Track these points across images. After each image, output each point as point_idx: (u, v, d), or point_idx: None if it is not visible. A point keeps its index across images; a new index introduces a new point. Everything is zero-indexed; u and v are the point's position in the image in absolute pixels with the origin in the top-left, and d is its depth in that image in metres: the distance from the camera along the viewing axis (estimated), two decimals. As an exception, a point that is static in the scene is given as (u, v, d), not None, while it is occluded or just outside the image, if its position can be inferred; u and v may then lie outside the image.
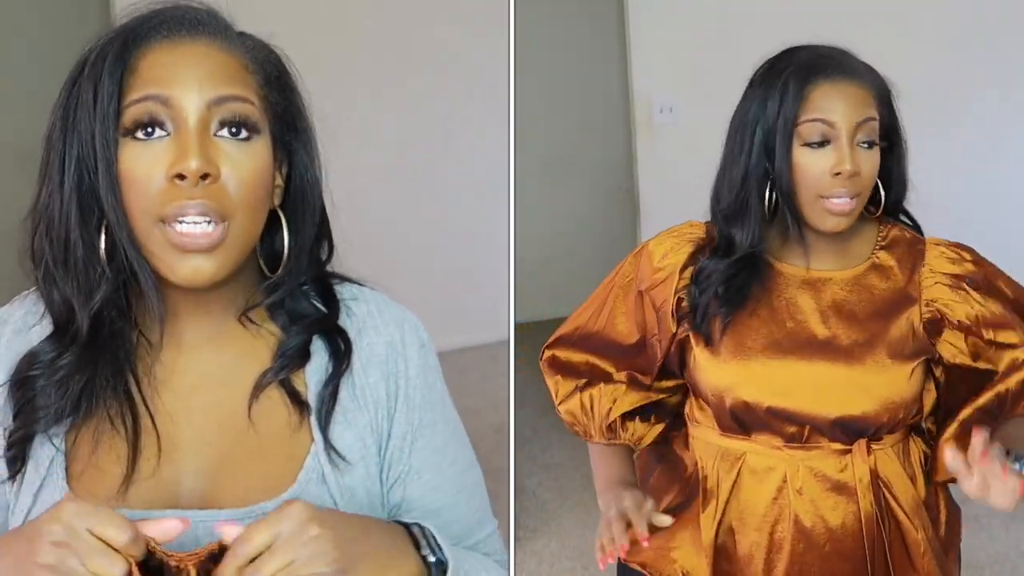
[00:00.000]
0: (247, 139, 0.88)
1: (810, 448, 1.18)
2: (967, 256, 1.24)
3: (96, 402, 0.91)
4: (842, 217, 1.17)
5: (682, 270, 1.25)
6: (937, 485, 1.25)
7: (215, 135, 0.87)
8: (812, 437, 1.18)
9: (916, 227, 1.31)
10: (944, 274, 1.22)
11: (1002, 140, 4.10)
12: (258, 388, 0.94)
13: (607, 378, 1.31)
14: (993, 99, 4.11)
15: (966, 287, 1.21)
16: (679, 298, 1.24)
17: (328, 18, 3.79)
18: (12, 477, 0.92)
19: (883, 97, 1.21)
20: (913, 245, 1.25)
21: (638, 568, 1.26)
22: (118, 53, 0.88)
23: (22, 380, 0.91)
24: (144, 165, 0.86)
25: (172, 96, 0.86)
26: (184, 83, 0.87)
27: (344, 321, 1.00)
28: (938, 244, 1.26)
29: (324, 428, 0.94)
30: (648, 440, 1.32)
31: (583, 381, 1.33)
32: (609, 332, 1.31)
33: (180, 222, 0.85)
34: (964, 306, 1.20)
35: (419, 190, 4.10)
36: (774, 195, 1.19)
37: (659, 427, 1.32)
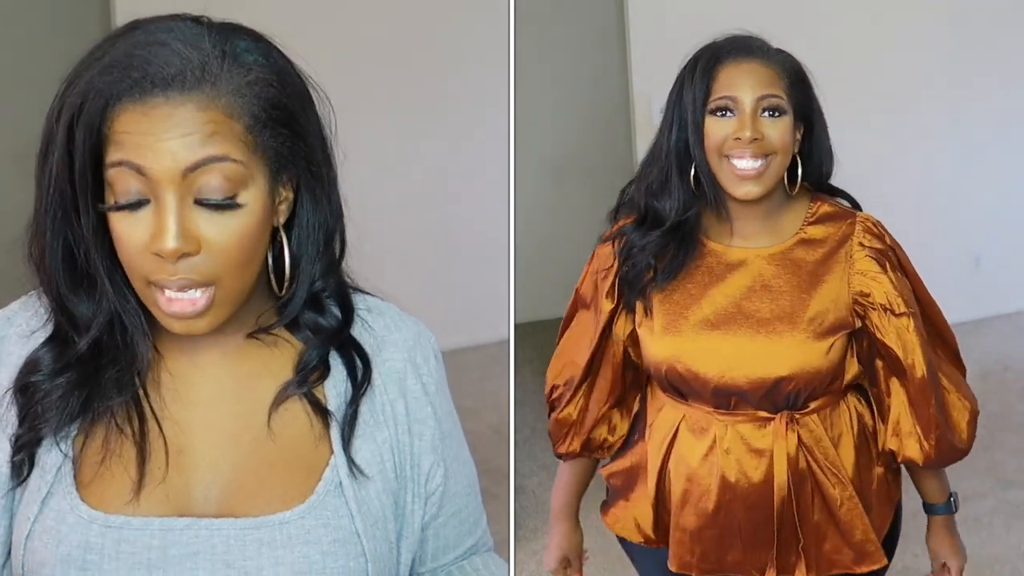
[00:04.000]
0: (231, 199, 0.85)
1: (737, 415, 1.32)
2: (887, 236, 1.35)
3: (102, 408, 0.91)
4: (750, 182, 1.27)
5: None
6: (871, 446, 1.38)
7: (196, 203, 0.84)
8: (739, 406, 1.32)
9: (853, 203, 1.41)
10: (871, 248, 1.32)
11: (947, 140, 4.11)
12: (279, 401, 0.94)
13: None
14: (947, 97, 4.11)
15: (887, 262, 1.32)
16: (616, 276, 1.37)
17: (328, 18, 3.79)
18: (18, 484, 0.92)
19: (793, 77, 1.32)
20: (844, 219, 1.35)
21: (615, 532, 1.48)
22: (92, 118, 0.83)
23: (25, 386, 0.91)
24: (130, 232, 0.84)
25: (146, 167, 0.82)
26: (158, 152, 0.82)
27: (363, 335, 0.99)
28: (867, 219, 1.35)
29: (346, 444, 0.95)
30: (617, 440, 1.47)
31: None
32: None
33: (167, 289, 0.85)
34: (885, 282, 1.30)
35: (419, 190, 4.11)
36: (695, 169, 1.31)
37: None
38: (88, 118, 0.83)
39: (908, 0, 3.97)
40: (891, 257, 1.33)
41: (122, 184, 0.83)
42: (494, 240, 3.50)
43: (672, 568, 1.40)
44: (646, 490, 1.41)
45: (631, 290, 1.36)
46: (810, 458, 1.32)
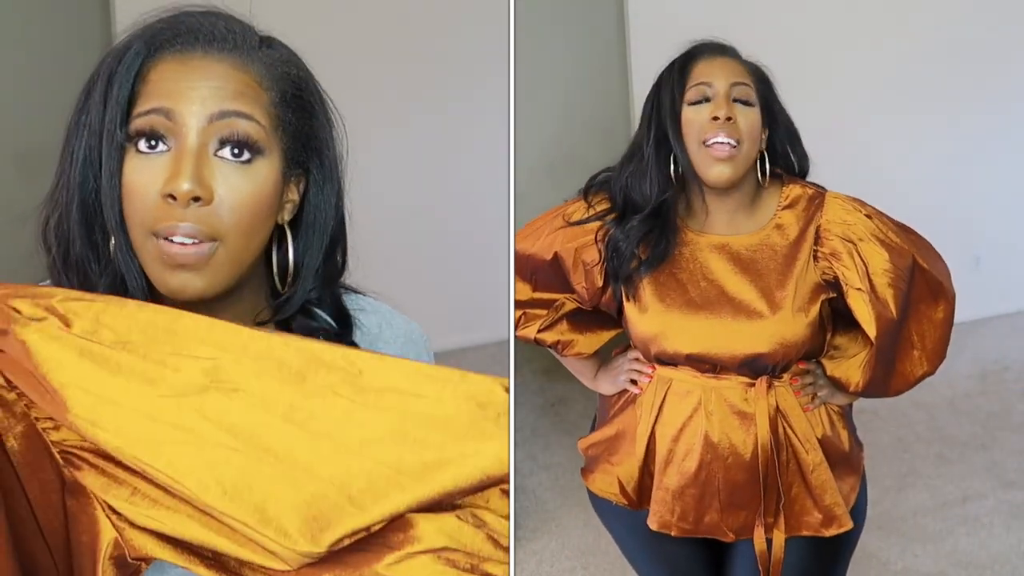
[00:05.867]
0: (248, 160, 0.88)
1: (721, 379, 1.41)
2: (861, 208, 1.41)
3: None
4: (724, 165, 1.36)
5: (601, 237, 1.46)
6: (840, 424, 1.48)
7: (215, 154, 0.87)
8: (723, 372, 1.41)
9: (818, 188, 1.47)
10: (834, 224, 1.39)
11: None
12: None
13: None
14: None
15: (854, 240, 1.38)
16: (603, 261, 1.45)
17: (326, 18, 3.79)
18: None
19: (759, 76, 1.43)
20: (812, 199, 1.43)
21: (596, 492, 1.55)
22: (131, 63, 0.88)
23: None
24: (143, 179, 0.86)
25: (175, 110, 0.86)
26: (188, 97, 0.87)
27: (356, 334, 1.00)
28: (836, 197, 1.43)
29: None
30: (580, 348, 1.57)
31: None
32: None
33: (170, 239, 0.86)
34: (845, 258, 1.38)
35: (419, 190, 4.10)
36: (674, 159, 1.40)
37: (575, 335, 1.56)
38: (128, 65, 0.88)
39: (909, 1, 3.98)
40: (857, 230, 1.39)
41: (146, 129, 0.87)
42: (494, 240, 3.50)
43: (652, 526, 1.47)
44: (633, 453, 1.48)
45: (616, 280, 1.44)
46: (785, 424, 1.42)
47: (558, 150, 4.42)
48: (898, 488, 2.99)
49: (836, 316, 1.45)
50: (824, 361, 1.47)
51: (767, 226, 1.43)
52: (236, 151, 0.88)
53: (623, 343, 1.55)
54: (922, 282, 1.42)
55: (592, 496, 1.58)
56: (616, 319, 1.52)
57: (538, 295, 1.55)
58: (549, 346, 1.57)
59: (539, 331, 1.55)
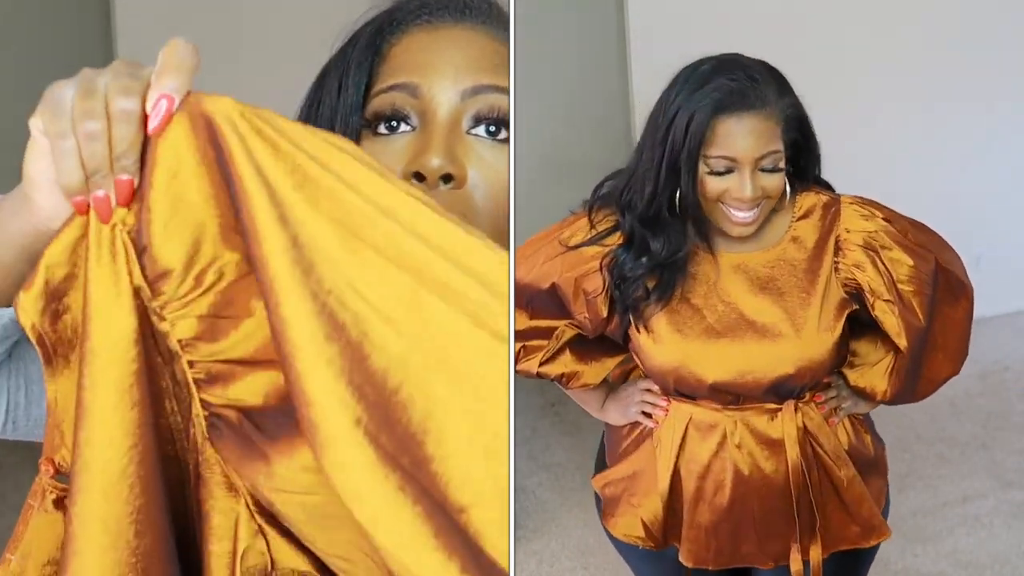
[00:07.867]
0: (506, 139, 0.77)
1: (745, 408, 1.34)
2: (878, 212, 1.34)
3: None
4: (746, 227, 1.28)
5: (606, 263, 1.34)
6: (862, 429, 1.43)
7: (469, 132, 0.76)
8: (747, 400, 1.34)
9: (829, 189, 1.41)
10: (855, 233, 1.32)
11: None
12: None
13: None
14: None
15: (877, 248, 1.31)
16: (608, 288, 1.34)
17: (325, 17, 3.78)
18: None
19: (791, 122, 1.27)
20: (828, 207, 1.35)
21: (619, 537, 1.47)
22: (370, 39, 0.80)
23: None
24: (382, 161, 0.76)
25: (421, 85, 0.76)
26: (438, 70, 0.76)
27: None
28: (851, 202, 1.35)
29: None
30: (587, 379, 1.46)
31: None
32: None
33: None
34: (869, 268, 1.31)
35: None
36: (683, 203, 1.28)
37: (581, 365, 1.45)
38: (368, 42, 0.81)
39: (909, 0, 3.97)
40: (879, 237, 1.32)
41: (387, 109, 0.77)
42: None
43: (687, 564, 1.42)
44: (656, 492, 1.41)
45: (624, 310, 1.34)
46: (815, 443, 1.36)
47: (558, 150, 4.42)
48: (898, 488, 2.99)
49: (851, 322, 1.38)
50: (846, 371, 1.41)
51: (783, 240, 1.34)
52: (493, 128, 0.76)
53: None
54: (944, 283, 1.37)
55: (614, 540, 1.51)
56: (622, 344, 1.42)
57: (535, 323, 1.41)
58: (553, 379, 1.46)
59: (541, 364, 1.42)
